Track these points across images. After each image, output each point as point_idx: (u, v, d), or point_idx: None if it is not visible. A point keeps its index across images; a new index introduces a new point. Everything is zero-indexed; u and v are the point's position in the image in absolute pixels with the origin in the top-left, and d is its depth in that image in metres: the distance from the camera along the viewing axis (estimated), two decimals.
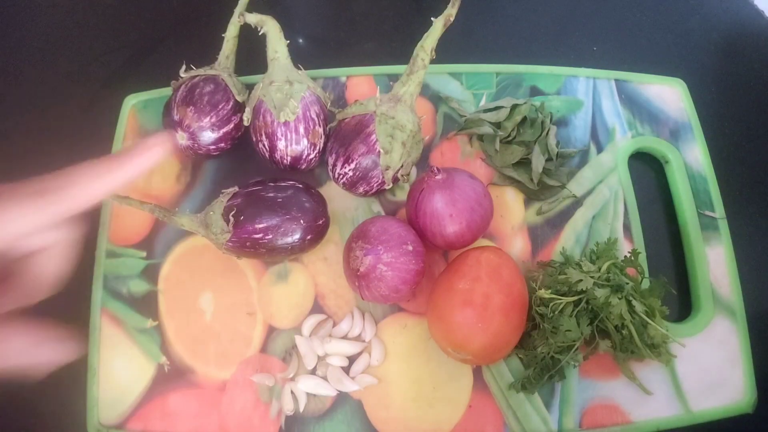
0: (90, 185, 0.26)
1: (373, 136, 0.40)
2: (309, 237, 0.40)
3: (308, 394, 0.41)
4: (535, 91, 0.50)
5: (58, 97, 0.54)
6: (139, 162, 0.26)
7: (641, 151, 0.49)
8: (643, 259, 0.44)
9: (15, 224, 0.23)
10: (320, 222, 0.41)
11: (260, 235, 0.39)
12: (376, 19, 0.58)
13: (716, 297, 0.43)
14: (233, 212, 0.39)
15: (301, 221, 0.39)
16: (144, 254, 0.45)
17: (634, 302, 0.37)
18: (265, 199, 0.39)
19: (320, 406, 0.40)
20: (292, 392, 0.40)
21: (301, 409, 0.40)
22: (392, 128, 0.40)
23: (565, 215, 0.46)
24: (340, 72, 0.51)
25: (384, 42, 0.56)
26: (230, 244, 0.39)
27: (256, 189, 0.40)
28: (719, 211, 0.46)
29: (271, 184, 0.40)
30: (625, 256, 0.41)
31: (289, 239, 0.39)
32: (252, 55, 0.46)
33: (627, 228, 0.45)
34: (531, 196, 0.46)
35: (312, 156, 0.43)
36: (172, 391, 0.41)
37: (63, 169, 0.26)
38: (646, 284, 0.42)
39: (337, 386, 0.40)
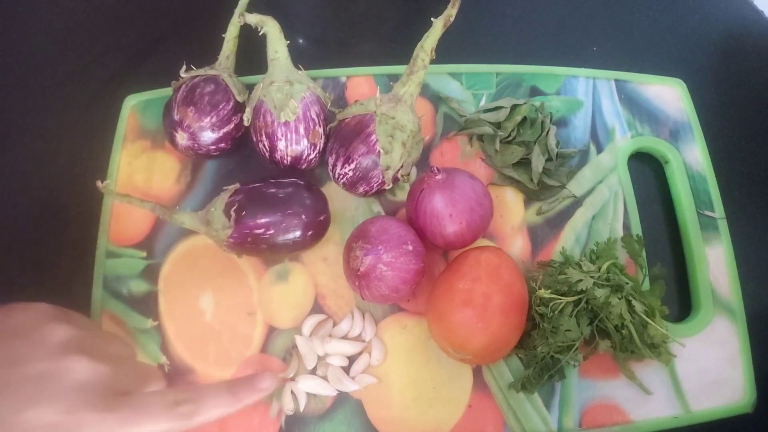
0: (215, 408, 0.29)
1: (374, 136, 0.40)
2: (310, 233, 0.40)
3: (308, 394, 0.41)
4: (535, 92, 0.50)
5: (58, 97, 0.54)
6: (258, 393, 0.31)
7: (641, 151, 0.49)
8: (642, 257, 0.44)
9: (149, 429, 0.26)
10: (321, 218, 0.41)
11: (262, 231, 0.39)
12: (376, 19, 0.58)
13: (716, 297, 0.43)
14: (235, 207, 0.39)
15: (303, 217, 0.39)
16: (144, 254, 0.45)
17: (634, 302, 0.37)
18: (267, 195, 0.39)
19: (320, 406, 0.40)
20: (292, 392, 0.40)
21: (301, 409, 0.40)
22: (392, 128, 0.40)
23: (565, 215, 0.46)
24: (340, 72, 0.51)
25: (384, 42, 0.56)
26: (231, 240, 0.39)
27: (258, 185, 0.40)
28: (719, 211, 0.46)
29: (273, 180, 0.40)
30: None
31: (290, 235, 0.39)
32: (252, 56, 0.46)
33: (627, 228, 0.45)
34: (531, 196, 0.46)
35: (312, 156, 0.43)
36: None
37: (195, 385, 0.30)
38: (646, 284, 0.42)
39: (337, 386, 0.40)
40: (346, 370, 0.41)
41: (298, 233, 0.39)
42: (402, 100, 0.41)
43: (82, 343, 0.29)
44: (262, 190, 0.40)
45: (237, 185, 0.41)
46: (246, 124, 0.43)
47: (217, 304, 0.44)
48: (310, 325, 0.42)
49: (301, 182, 0.41)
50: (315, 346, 0.41)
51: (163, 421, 0.27)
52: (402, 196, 0.46)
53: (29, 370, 0.25)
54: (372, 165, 0.40)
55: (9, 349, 0.26)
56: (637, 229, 0.45)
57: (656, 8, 0.58)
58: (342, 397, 0.40)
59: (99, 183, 0.39)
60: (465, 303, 0.36)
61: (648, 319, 0.37)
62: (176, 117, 0.42)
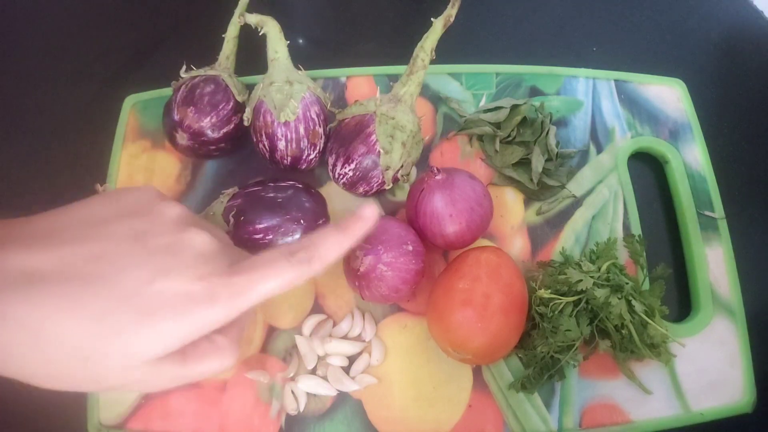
0: (330, 249, 0.29)
1: (373, 137, 0.40)
2: None
3: (308, 394, 0.41)
4: (534, 92, 0.50)
5: (58, 97, 0.54)
6: (364, 222, 0.30)
7: (641, 152, 0.49)
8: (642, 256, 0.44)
9: (276, 282, 0.27)
10: (320, 222, 0.41)
11: (261, 236, 0.39)
12: (376, 19, 0.59)
13: (716, 297, 0.43)
14: (233, 212, 0.39)
15: (301, 221, 0.39)
16: None
17: (633, 302, 0.38)
18: (265, 200, 0.39)
19: (320, 406, 0.40)
20: (292, 392, 0.40)
21: (301, 409, 0.40)
22: (392, 128, 0.40)
23: (565, 215, 0.46)
24: (340, 72, 0.51)
25: (384, 42, 0.56)
26: None
27: (256, 189, 0.40)
28: (719, 211, 0.46)
29: (271, 184, 0.40)
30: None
31: (289, 239, 0.39)
32: (252, 56, 0.46)
33: (627, 228, 0.45)
34: (531, 196, 0.46)
35: (312, 156, 0.43)
36: (172, 391, 0.41)
37: (307, 236, 0.29)
38: (646, 284, 0.42)
39: (337, 386, 0.40)
40: (346, 370, 0.41)
41: (296, 237, 0.39)
42: (402, 100, 0.41)
43: (195, 220, 0.29)
44: (260, 194, 0.40)
45: (236, 189, 0.41)
46: (246, 124, 0.43)
47: None
48: (310, 325, 0.42)
49: (300, 185, 0.41)
50: (315, 346, 0.41)
51: (287, 271, 0.27)
52: (402, 196, 0.46)
53: (154, 243, 0.26)
54: (372, 165, 0.40)
55: (131, 226, 0.26)
56: (636, 229, 0.45)
57: (656, 8, 0.58)
58: (342, 397, 0.40)
59: (98, 186, 0.39)
60: (465, 303, 0.36)
61: (648, 319, 0.37)
62: (176, 117, 0.42)
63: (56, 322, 0.23)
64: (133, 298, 0.24)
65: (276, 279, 0.27)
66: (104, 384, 0.25)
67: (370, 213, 0.30)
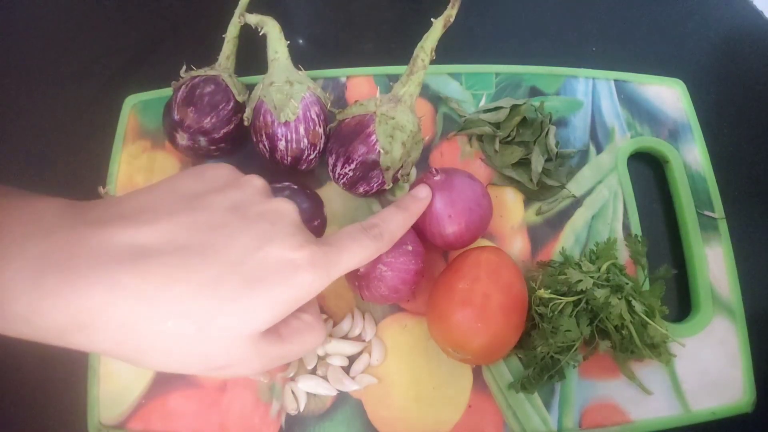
0: (397, 226, 0.32)
1: (373, 137, 0.40)
2: None
3: (308, 394, 0.41)
4: (534, 92, 0.50)
5: (58, 97, 0.54)
6: (420, 202, 0.35)
7: (641, 152, 0.49)
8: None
9: (361, 254, 0.29)
10: (316, 223, 0.41)
11: None
12: (376, 19, 0.59)
13: (716, 297, 0.43)
14: None
15: None
16: None
17: (633, 302, 0.38)
18: None
19: (320, 405, 0.40)
20: (292, 392, 0.40)
21: (301, 409, 0.40)
22: (392, 128, 0.40)
23: (565, 215, 0.46)
24: (340, 72, 0.51)
25: (384, 43, 0.57)
26: None
27: None
28: (719, 212, 0.46)
29: (268, 184, 0.40)
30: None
31: None
32: (252, 56, 0.46)
33: (626, 228, 0.45)
34: (530, 197, 0.46)
35: (312, 156, 0.43)
36: (172, 391, 0.41)
37: (375, 214, 0.33)
38: (646, 285, 0.42)
39: (337, 386, 0.40)
40: (346, 370, 0.41)
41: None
42: (402, 100, 0.41)
43: (270, 190, 0.30)
44: None
45: None
46: (246, 124, 0.43)
47: None
48: None
49: (296, 186, 0.41)
50: None
51: (368, 245, 0.29)
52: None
53: (253, 211, 0.27)
54: (372, 165, 0.40)
55: (227, 197, 0.27)
56: (636, 229, 0.45)
57: (656, 8, 0.58)
58: (342, 397, 0.40)
59: (101, 189, 0.39)
60: (465, 303, 0.36)
61: (648, 319, 0.37)
62: (176, 117, 0.42)
63: (171, 291, 0.23)
64: (243, 265, 0.24)
65: (360, 252, 0.29)
66: (211, 363, 0.25)
67: (425, 193, 0.35)
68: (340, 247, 0.28)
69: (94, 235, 0.23)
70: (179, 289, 0.23)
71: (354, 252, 0.28)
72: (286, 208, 0.28)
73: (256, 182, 0.29)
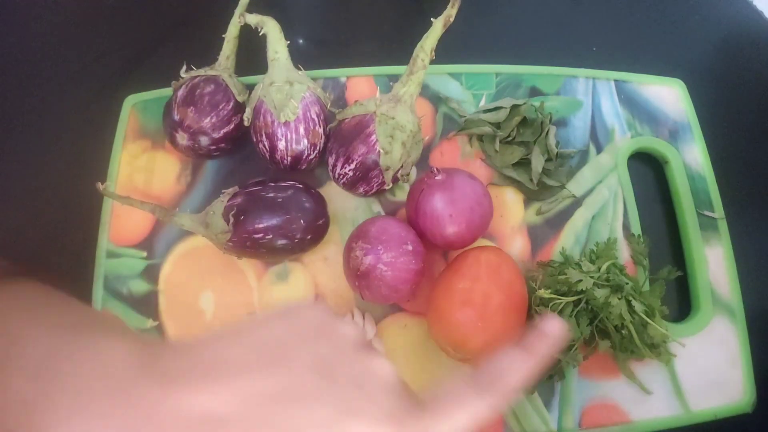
0: (517, 376, 0.25)
1: (373, 137, 0.40)
2: (309, 237, 0.40)
3: None
4: (534, 92, 0.50)
5: (58, 97, 0.54)
6: (550, 340, 0.27)
7: (641, 152, 0.49)
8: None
9: (466, 419, 0.24)
10: (320, 222, 0.41)
11: (260, 235, 0.39)
12: (376, 19, 0.59)
13: (716, 297, 0.43)
14: (233, 212, 0.39)
15: (301, 221, 0.39)
16: (144, 254, 0.45)
17: (633, 302, 0.38)
18: (265, 199, 0.39)
19: None
20: None
21: None
22: (392, 128, 0.40)
23: (565, 215, 0.46)
24: (340, 72, 0.51)
25: (384, 43, 0.56)
26: (230, 243, 0.39)
27: (256, 189, 0.40)
28: (718, 211, 0.46)
29: (271, 184, 0.40)
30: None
31: (288, 239, 0.39)
32: (252, 56, 0.46)
33: (626, 228, 0.45)
34: (530, 196, 0.46)
35: (312, 156, 0.43)
36: None
37: (491, 361, 0.26)
38: (646, 285, 0.42)
39: None
40: None
41: (296, 237, 0.39)
42: (402, 100, 0.41)
43: (368, 342, 0.27)
44: (260, 194, 0.40)
45: (236, 188, 0.41)
46: (246, 124, 0.43)
47: (217, 303, 0.44)
48: None
49: (300, 185, 0.41)
50: None
51: (477, 406, 0.24)
52: (402, 196, 0.46)
53: (341, 373, 0.24)
54: (372, 165, 0.40)
55: (315, 352, 0.24)
56: (636, 229, 0.45)
57: (656, 8, 0.58)
58: None
59: (99, 185, 0.39)
60: (465, 303, 0.36)
61: (648, 319, 0.37)
62: (176, 117, 0.42)
63: None
64: None
65: (466, 416, 0.24)
66: None
67: (554, 328, 0.27)
68: (440, 414, 0.24)
69: (165, 398, 0.21)
70: None
71: (460, 417, 0.24)
72: (381, 369, 0.25)
73: (351, 333, 0.26)
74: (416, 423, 0.23)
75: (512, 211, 0.46)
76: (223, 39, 0.45)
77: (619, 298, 0.37)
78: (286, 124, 0.41)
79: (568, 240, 0.45)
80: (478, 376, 0.25)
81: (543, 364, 0.26)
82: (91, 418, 0.20)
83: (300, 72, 0.43)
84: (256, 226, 0.38)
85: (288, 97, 0.41)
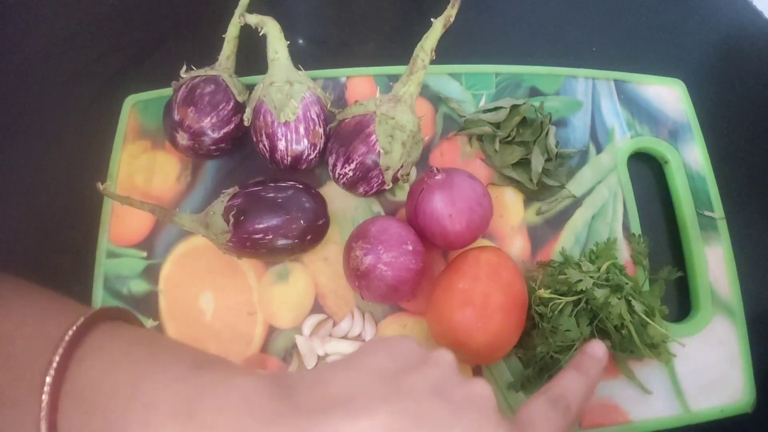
0: (578, 393, 0.29)
1: (373, 137, 0.40)
2: (309, 237, 0.40)
3: None
4: (534, 92, 0.50)
5: (58, 97, 0.54)
6: (599, 362, 0.32)
7: (640, 152, 0.49)
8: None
9: None
10: (320, 222, 0.41)
11: (260, 236, 0.39)
12: (376, 19, 0.59)
13: (715, 297, 0.43)
14: (233, 212, 0.39)
15: (301, 221, 0.39)
16: (144, 254, 0.45)
17: (633, 302, 0.38)
18: (266, 200, 0.39)
19: None
20: None
21: None
22: (392, 128, 0.40)
23: (565, 215, 0.46)
24: (341, 72, 0.51)
25: (384, 43, 0.57)
26: (231, 244, 0.39)
27: (257, 189, 0.40)
28: (718, 212, 0.46)
29: (272, 184, 0.40)
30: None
31: (289, 239, 0.39)
32: (252, 56, 0.46)
33: (626, 228, 0.45)
34: (530, 197, 0.46)
35: (312, 156, 0.43)
36: None
37: (553, 382, 0.30)
38: (646, 285, 0.42)
39: None
40: None
41: (296, 237, 0.39)
42: (402, 100, 0.41)
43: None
44: (260, 195, 0.40)
45: (236, 188, 0.41)
46: (246, 124, 0.43)
47: (217, 303, 0.44)
48: (310, 324, 0.42)
49: (300, 185, 0.41)
50: (315, 345, 0.41)
51: (560, 425, 0.27)
52: (402, 196, 0.46)
53: (455, 396, 0.25)
54: (372, 165, 0.40)
55: (426, 377, 0.25)
56: (636, 229, 0.45)
57: (656, 8, 0.58)
58: None
59: (99, 185, 0.39)
60: (465, 303, 0.36)
61: (648, 319, 0.37)
62: (176, 117, 0.42)
63: None
64: None
65: None
66: None
67: (602, 351, 0.32)
68: (531, 427, 0.26)
69: (317, 427, 0.22)
70: None
71: None
72: (488, 392, 0.26)
73: (448, 358, 0.27)
74: None
75: (512, 211, 0.46)
76: (223, 39, 0.45)
77: (619, 298, 0.37)
78: (286, 124, 0.41)
79: (568, 240, 0.45)
80: (551, 396, 0.28)
81: (594, 385, 0.30)
82: None
83: (300, 72, 0.43)
84: (256, 226, 0.38)
85: (288, 97, 0.41)
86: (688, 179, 0.47)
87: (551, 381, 0.30)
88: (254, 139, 0.43)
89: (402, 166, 0.41)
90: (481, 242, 0.44)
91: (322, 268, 0.44)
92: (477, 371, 0.41)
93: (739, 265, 0.44)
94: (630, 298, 0.38)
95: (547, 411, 0.27)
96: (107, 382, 0.23)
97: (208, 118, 0.42)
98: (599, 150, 0.48)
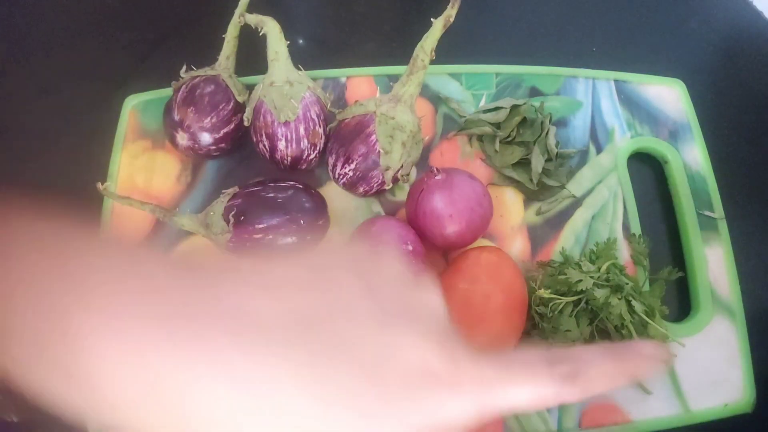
0: (601, 375, 0.22)
1: (373, 137, 0.40)
2: (309, 237, 0.40)
3: None
4: (534, 92, 0.50)
5: (58, 97, 0.54)
6: (644, 361, 0.23)
7: (640, 152, 0.49)
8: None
9: (530, 392, 0.20)
10: (320, 222, 0.41)
11: (260, 236, 0.39)
12: (376, 19, 0.59)
13: (715, 297, 0.43)
14: (233, 212, 0.39)
15: (301, 221, 0.39)
16: None
17: (633, 302, 0.38)
18: (266, 200, 0.39)
19: None
20: None
21: None
22: (392, 129, 0.40)
23: (565, 215, 0.46)
24: (340, 72, 0.51)
25: (384, 43, 0.56)
26: (231, 244, 0.39)
27: (257, 189, 0.40)
28: (718, 212, 0.46)
29: (271, 184, 0.40)
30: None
31: (289, 239, 0.39)
32: (252, 56, 0.46)
33: (626, 228, 0.45)
34: (530, 197, 0.46)
35: (312, 156, 0.43)
36: None
37: (573, 348, 0.22)
38: (646, 285, 0.42)
39: None
40: None
41: (296, 237, 0.39)
42: (402, 100, 0.41)
43: (421, 280, 0.24)
44: (260, 194, 0.40)
45: (236, 189, 0.41)
46: (246, 124, 0.43)
47: None
48: None
49: (300, 186, 0.41)
50: None
51: (546, 383, 0.20)
52: (402, 196, 0.46)
53: (389, 299, 0.21)
54: (372, 165, 0.40)
55: (359, 275, 0.21)
56: (636, 229, 0.45)
57: (656, 9, 0.58)
58: None
59: (99, 185, 0.39)
60: (465, 303, 0.36)
61: (648, 319, 0.37)
62: (176, 117, 0.42)
63: (281, 391, 0.18)
64: (376, 374, 0.19)
65: (531, 388, 0.20)
66: None
67: (652, 351, 0.23)
68: (502, 372, 0.20)
69: (222, 299, 0.19)
70: (289, 391, 0.18)
71: (524, 385, 0.20)
72: (433, 300, 0.22)
73: (397, 264, 0.24)
74: (476, 371, 0.20)
75: (512, 211, 0.46)
76: (223, 39, 0.45)
77: (619, 298, 0.37)
78: (286, 124, 0.41)
79: (568, 240, 0.45)
80: (556, 355, 0.22)
81: (624, 379, 0.22)
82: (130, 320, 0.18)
83: (300, 72, 0.43)
84: (256, 226, 0.38)
85: (288, 97, 0.41)
86: (688, 179, 0.47)
87: (575, 348, 0.23)
88: (254, 139, 0.43)
89: (402, 166, 0.41)
90: (481, 242, 0.44)
91: None
92: None
93: (739, 265, 0.44)
94: (630, 299, 0.38)
95: (537, 362, 0.21)
96: None
97: (208, 118, 0.42)
98: (599, 150, 0.48)
